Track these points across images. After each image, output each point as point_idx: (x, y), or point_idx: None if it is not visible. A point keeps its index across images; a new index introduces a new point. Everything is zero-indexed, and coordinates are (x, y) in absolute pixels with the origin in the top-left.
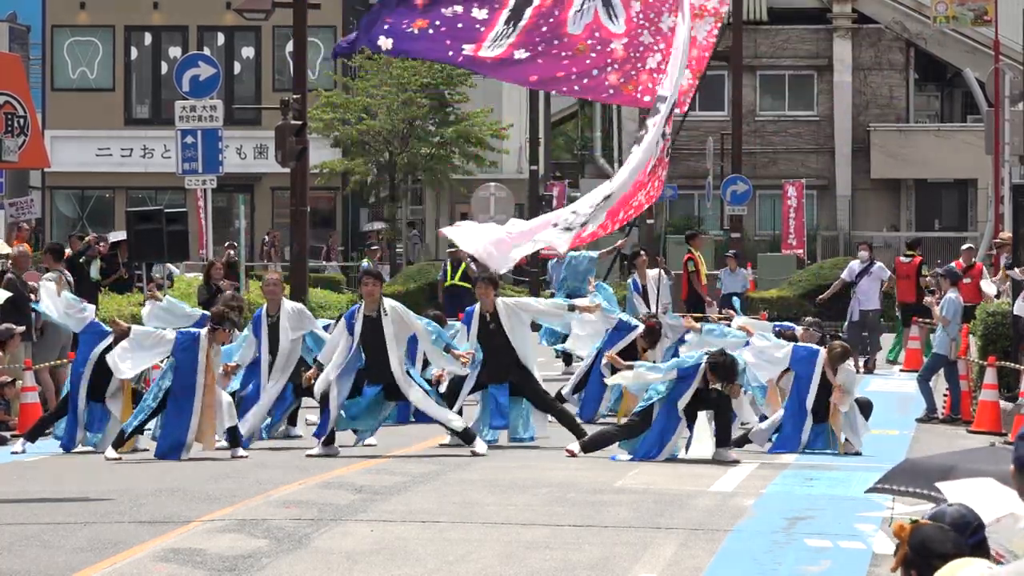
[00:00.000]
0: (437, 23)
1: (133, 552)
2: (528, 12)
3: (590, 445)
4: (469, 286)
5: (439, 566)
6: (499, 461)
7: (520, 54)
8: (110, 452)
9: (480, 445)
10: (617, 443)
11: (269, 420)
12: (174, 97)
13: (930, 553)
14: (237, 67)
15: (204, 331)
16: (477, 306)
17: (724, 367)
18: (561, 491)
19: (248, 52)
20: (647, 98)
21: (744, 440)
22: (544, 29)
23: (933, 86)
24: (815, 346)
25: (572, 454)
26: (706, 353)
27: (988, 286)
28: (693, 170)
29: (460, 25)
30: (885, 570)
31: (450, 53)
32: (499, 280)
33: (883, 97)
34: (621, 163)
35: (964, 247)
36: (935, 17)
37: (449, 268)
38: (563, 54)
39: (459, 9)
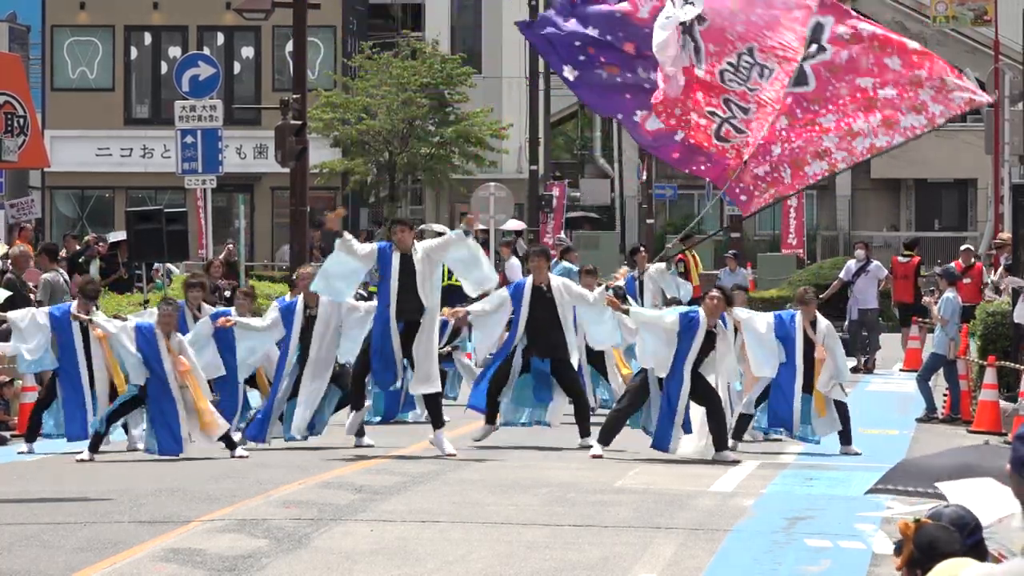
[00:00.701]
0: (628, 75)
1: (133, 552)
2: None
3: (605, 437)
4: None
5: (439, 566)
6: (499, 461)
7: (679, 135)
8: (84, 455)
9: (449, 447)
10: (628, 423)
11: (313, 416)
12: (174, 97)
13: (937, 553)
14: (237, 67)
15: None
16: (529, 279)
17: (725, 292)
18: (561, 491)
19: (248, 52)
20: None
21: (744, 422)
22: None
23: None
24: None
25: (598, 456)
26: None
27: (991, 292)
28: None
29: (647, 86)
30: (885, 570)
31: (619, 116)
32: (550, 255)
33: None
34: (621, 163)
35: (963, 247)
36: (935, 17)
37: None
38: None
39: (653, 76)
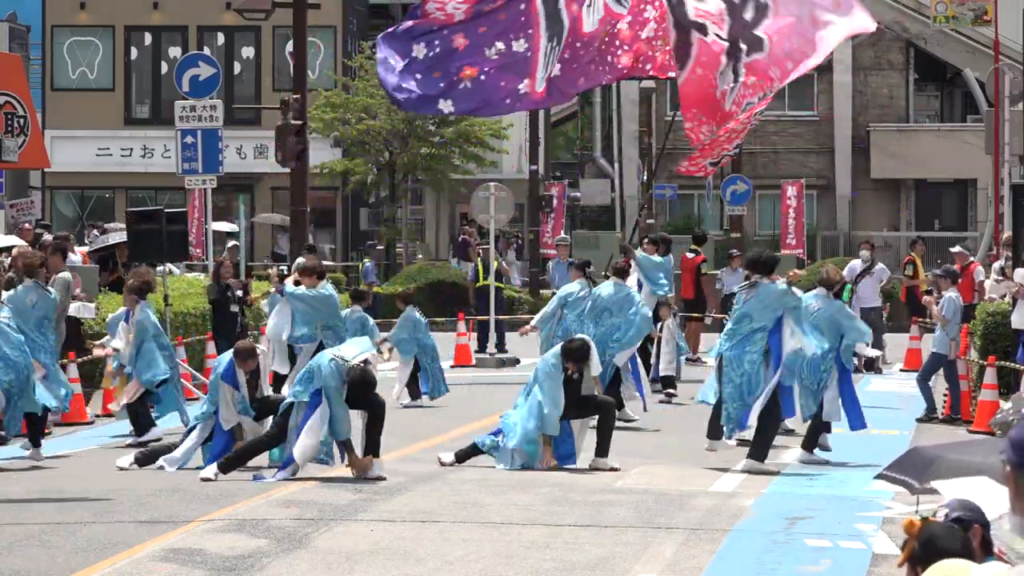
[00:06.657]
0: (486, 68)
1: (133, 552)
2: (565, 21)
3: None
4: (501, 285)
5: (439, 566)
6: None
7: (555, 71)
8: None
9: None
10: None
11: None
12: (174, 97)
13: (937, 551)
14: (237, 67)
15: None
16: None
17: (576, 351)
18: (561, 491)
19: (248, 52)
20: (648, 66)
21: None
22: (568, 38)
23: (933, 86)
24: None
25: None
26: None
27: (992, 288)
28: None
29: (509, 61)
30: (885, 570)
31: (507, 100)
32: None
33: (883, 97)
34: (621, 163)
35: (956, 251)
36: (935, 17)
37: (480, 268)
38: (583, 54)
39: (500, 45)
